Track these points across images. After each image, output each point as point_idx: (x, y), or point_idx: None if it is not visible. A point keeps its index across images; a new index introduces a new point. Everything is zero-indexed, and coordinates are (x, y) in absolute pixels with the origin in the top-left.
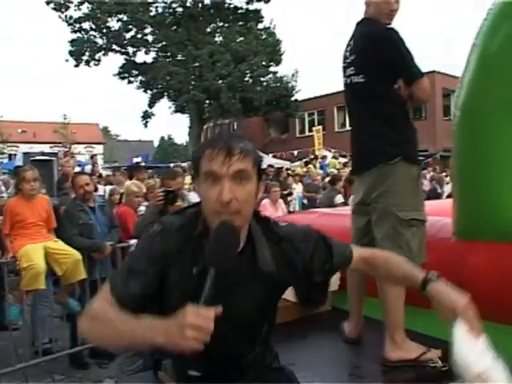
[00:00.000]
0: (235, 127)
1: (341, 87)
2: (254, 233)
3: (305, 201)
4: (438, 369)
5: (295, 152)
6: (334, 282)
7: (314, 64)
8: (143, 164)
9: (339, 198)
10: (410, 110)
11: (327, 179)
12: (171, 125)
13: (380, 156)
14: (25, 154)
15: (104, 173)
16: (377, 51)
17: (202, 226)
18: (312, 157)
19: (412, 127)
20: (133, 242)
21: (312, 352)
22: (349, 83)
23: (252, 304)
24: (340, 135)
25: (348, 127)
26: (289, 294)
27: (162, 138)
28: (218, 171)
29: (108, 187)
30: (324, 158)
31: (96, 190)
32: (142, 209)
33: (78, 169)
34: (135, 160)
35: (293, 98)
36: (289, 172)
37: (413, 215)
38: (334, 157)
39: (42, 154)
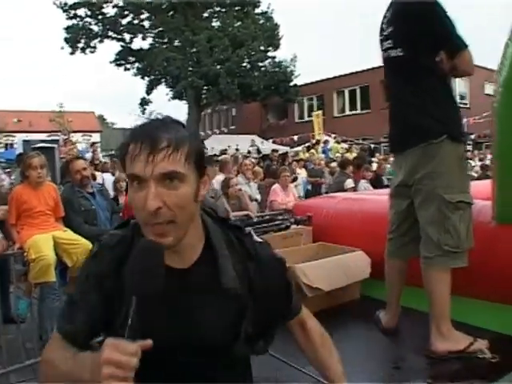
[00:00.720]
0: (233, 113)
1: (339, 72)
2: (214, 241)
3: (309, 186)
4: (487, 360)
5: (295, 137)
6: (365, 268)
7: (313, 48)
8: None
9: (349, 183)
10: (452, 84)
11: (333, 164)
12: (168, 112)
13: (423, 134)
14: (25, 141)
15: (103, 161)
16: (417, 22)
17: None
18: (314, 142)
19: (455, 103)
20: None
21: (349, 344)
22: (386, 57)
23: (215, 324)
24: (339, 120)
25: (348, 112)
26: (319, 282)
27: None
28: (140, 174)
29: (105, 174)
30: (326, 142)
31: (94, 178)
32: None
33: None
34: None
35: (291, 83)
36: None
37: (460, 197)
38: (336, 141)
39: (42, 141)
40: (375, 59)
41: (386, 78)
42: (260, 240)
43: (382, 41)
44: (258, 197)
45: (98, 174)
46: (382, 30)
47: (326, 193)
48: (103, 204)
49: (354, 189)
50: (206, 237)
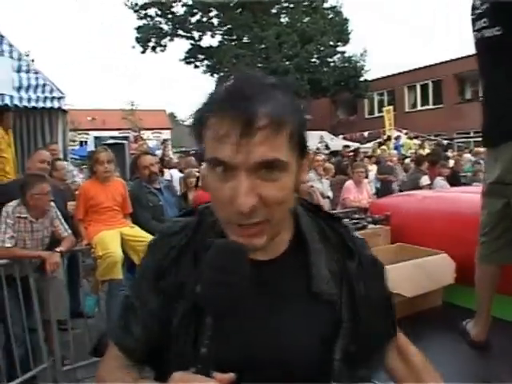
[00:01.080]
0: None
1: (411, 66)
2: (305, 232)
3: (377, 184)
4: None
5: (365, 133)
6: (449, 273)
7: (384, 42)
8: None
9: (425, 180)
10: None
11: (407, 160)
12: None
13: None
14: (96, 138)
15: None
16: None
17: (214, 222)
18: (385, 137)
19: None
20: None
21: (435, 358)
22: (480, 38)
23: (300, 335)
24: (410, 115)
25: (419, 107)
26: (400, 286)
27: None
28: (228, 160)
29: (172, 171)
30: (398, 138)
31: (162, 173)
32: None
33: None
34: None
35: (362, 78)
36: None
37: None
38: (409, 137)
39: (113, 138)
40: (448, 52)
41: (479, 62)
42: (359, 236)
43: (474, 20)
44: (330, 194)
45: (165, 170)
46: (474, 8)
47: (400, 190)
48: (171, 200)
49: (430, 186)
50: (296, 226)
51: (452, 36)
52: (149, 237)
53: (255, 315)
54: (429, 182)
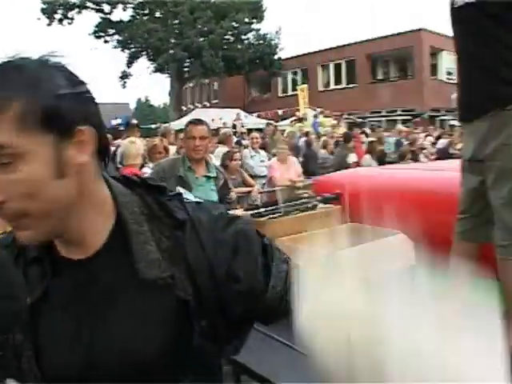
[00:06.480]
0: (216, 87)
1: (325, 45)
2: (125, 215)
3: None
4: None
5: (280, 111)
6: (410, 254)
7: (298, 21)
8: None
9: (352, 158)
10: None
11: (324, 138)
12: (150, 86)
13: (494, 100)
14: None
15: None
16: None
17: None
18: (300, 116)
19: None
20: None
21: None
22: (457, 7)
23: (138, 332)
24: (324, 95)
25: (332, 86)
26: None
27: (139, 99)
28: None
29: None
30: (316, 116)
31: None
32: (146, 170)
33: None
34: (114, 122)
35: (276, 57)
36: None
37: None
38: (325, 116)
39: None
40: (362, 32)
41: (455, 34)
42: (198, 200)
43: None
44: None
45: None
46: None
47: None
48: None
49: (357, 164)
50: (117, 210)
51: (364, 17)
52: None
53: (83, 321)
54: (356, 160)
